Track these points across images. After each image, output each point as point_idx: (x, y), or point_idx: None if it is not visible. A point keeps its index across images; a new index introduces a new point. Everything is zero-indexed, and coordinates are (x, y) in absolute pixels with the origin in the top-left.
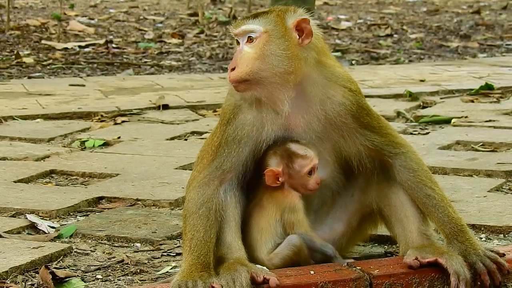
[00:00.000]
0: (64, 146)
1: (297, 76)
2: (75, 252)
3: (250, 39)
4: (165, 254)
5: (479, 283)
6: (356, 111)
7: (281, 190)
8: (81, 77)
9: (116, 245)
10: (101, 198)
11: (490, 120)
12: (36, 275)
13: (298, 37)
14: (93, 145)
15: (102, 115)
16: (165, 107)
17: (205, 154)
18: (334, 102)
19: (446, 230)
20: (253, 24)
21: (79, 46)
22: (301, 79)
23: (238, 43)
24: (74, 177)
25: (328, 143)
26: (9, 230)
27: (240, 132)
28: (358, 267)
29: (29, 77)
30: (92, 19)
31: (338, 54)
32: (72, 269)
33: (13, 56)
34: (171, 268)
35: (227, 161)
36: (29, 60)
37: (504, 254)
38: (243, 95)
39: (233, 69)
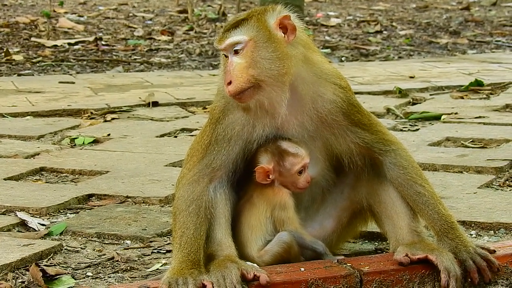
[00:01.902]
0: (54, 144)
1: (290, 75)
2: (65, 249)
3: (237, 51)
4: (155, 251)
5: (469, 279)
6: (346, 108)
7: (272, 188)
8: (70, 75)
9: (106, 242)
10: (91, 195)
11: (480, 117)
12: (27, 272)
13: (283, 35)
14: (83, 143)
15: (91, 113)
16: (155, 104)
17: (195, 152)
18: (325, 99)
19: (436, 228)
20: (236, 35)
21: (69, 44)
22: (292, 78)
23: (226, 56)
24: (64, 174)
25: (319, 141)
26: None
27: (230, 131)
28: (349, 264)
29: (19, 75)
30: (82, 16)
31: (328, 50)
32: (63, 267)
33: (3, 54)
34: (162, 265)
35: (217, 159)
36: (18, 57)
37: (494, 251)
38: (247, 104)
39: (229, 83)
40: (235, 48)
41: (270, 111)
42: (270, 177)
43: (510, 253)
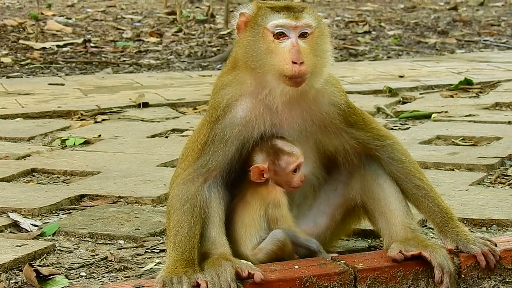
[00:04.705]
0: (45, 145)
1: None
2: (58, 249)
3: (304, 34)
4: (148, 250)
5: (463, 275)
6: (344, 110)
7: (266, 186)
8: (60, 77)
9: (99, 242)
10: (83, 196)
11: (470, 115)
12: (20, 273)
13: None
14: (74, 144)
15: (82, 114)
16: (145, 105)
17: (190, 151)
18: (325, 102)
19: (437, 219)
20: (309, 19)
21: (57, 46)
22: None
23: (281, 35)
24: (56, 175)
25: (311, 141)
26: None
27: (229, 132)
28: (343, 261)
29: (7, 77)
30: (70, 18)
31: None
32: (56, 267)
33: None
34: (155, 265)
35: (213, 160)
36: (7, 60)
37: (496, 244)
38: (293, 89)
39: (301, 63)
40: (304, 31)
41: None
42: (265, 176)
43: (502, 249)
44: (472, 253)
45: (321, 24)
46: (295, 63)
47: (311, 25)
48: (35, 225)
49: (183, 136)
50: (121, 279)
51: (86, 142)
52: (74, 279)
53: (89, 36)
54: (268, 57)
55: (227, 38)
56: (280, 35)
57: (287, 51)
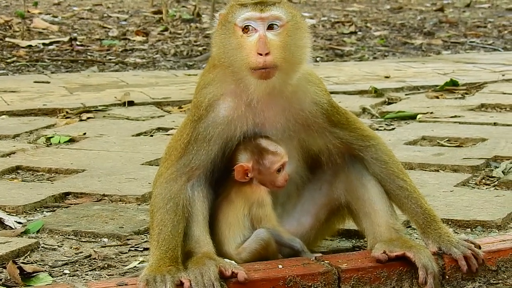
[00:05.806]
0: (30, 143)
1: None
2: (42, 247)
3: (272, 26)
4: (132, 249)
5: (447, 276)
6: (327, 110)
7: (250, 185)
8: (45, 75)
9: (83, 240)
10: (67, 193)
11: (455, 116)
12: (4, 270)
13: None
14: (59, 142)
15: (67, 112)
16: (131, 103)
17: (173, 150)
18: (308, 101)
19: (419, 221)
20: (279, 11)
21: (43, 44)
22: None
23: (248, 28)
24: (40, 173)
25: (295, 140)
26: None
27: (212, 131)
28: (326, 261)
29: None
30: (56, 17)
31: None
32: (40, 264)
33: None
34: (139, 263)
35: (196, 159)
36: None
37: (480, 247)
38: (265, 83)
39: (267, 54)
40: (272, 23)
41: (264, 100)
42: (249, 175)
43: (487, 250)
44: (454, 257)
45: (296, 19)
46: (260, 54)
47: (280, 17)
48: (19, 223)
49: (168, 134)
50: (105, 277)
51: (71, 140)
52: (57, 276)
53: (75, 34)
54: (237, 52)
55: None
56: (247, 29)
57: (254, 43)
